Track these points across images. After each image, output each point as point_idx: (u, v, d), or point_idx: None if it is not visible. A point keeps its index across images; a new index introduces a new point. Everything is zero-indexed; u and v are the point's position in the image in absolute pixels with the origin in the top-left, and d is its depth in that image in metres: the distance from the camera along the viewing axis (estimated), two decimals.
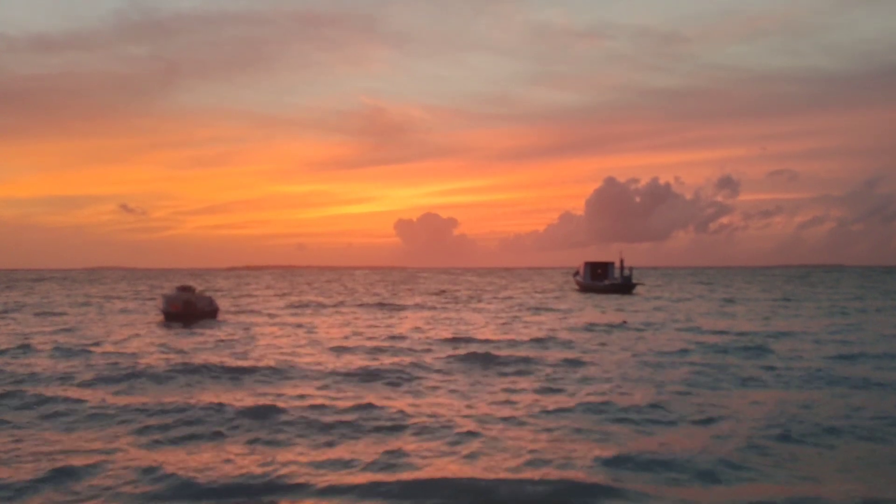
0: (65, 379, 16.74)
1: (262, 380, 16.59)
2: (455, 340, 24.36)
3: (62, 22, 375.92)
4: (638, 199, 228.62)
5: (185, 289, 36.37)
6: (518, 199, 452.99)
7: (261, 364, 18.71)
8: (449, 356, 20.02)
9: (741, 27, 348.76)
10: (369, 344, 23.73)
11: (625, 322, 32.21)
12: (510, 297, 60.12)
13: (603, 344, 23.80)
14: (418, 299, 56.35)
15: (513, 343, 23.84)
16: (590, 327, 30.22)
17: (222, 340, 24.82)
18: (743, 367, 18.13)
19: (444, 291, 70.46)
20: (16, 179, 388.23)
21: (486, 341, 24.28)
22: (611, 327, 30.27)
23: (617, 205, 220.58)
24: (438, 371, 17.86)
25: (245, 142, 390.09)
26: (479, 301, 54.38)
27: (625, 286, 66.93)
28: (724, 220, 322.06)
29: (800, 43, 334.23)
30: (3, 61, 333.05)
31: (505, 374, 17.32)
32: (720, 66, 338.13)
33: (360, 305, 47.92)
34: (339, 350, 22.22)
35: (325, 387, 15.70)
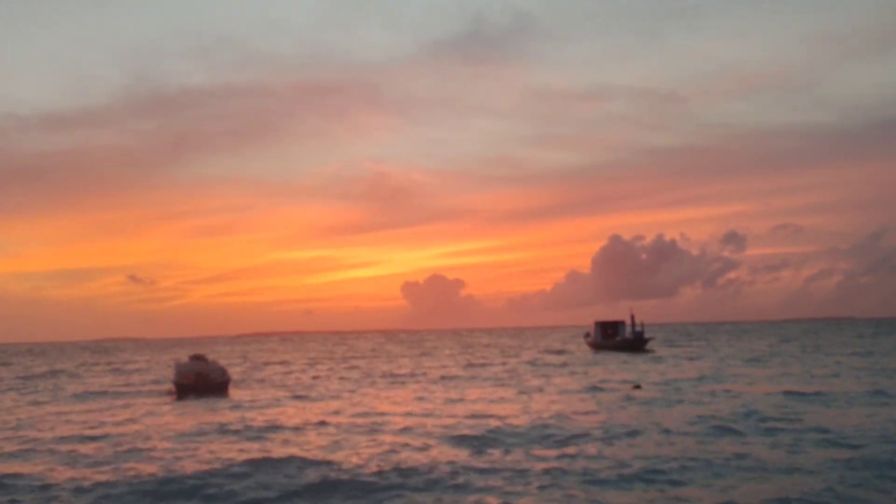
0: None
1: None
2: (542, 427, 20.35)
3: (72, 99, 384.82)
4: (644, 256, 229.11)
5: (198, 358, 35.73)
6: (523, 259, 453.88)
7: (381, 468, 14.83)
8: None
9: (737, 85, 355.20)
10: (471, 429, 19.90)
11: (638, 387, 32.31)
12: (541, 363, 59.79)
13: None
14: (450, 366, 54.14)
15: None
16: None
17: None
18: None
19: (471, 364, 54.35)
20: (26, 253, 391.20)
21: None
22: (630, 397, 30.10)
23: (623, 262, 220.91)
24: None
25: (251, 210, 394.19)
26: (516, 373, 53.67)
27: (637, 342, 67.24)
28: (732, 274, 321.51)
29: (796, 98, 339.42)
30: (14, 140, 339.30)
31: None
32: (718, 124, 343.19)
33: (408, 377, 42.76)
34: (467, 442, 18.03)
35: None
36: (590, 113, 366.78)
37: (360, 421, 22.55)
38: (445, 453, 16.52)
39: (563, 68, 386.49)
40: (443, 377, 41.49)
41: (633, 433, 18.64)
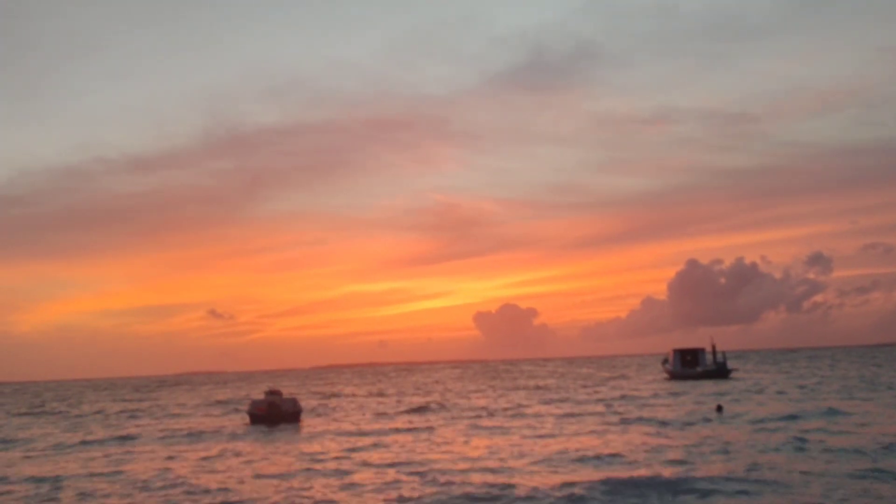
0: None
1: None
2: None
3: (155, 142, 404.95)
4: (723, 281, 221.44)
5: (273, 392, 38.57)
6: (597, 287, 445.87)
7: None
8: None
9: (811, 103, 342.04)
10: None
11: (720, 407, 32.83)
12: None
13: None
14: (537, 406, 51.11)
15: None
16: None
17: None
18: None
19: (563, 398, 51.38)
20: (112, 291, 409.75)
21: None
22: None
23: (701, 287, 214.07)
24: None
25: (324, 244, 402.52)
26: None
27: (719, 372, 64.74)
28: (818, 297, 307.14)
29: (878, 114, 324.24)
30: (103, 182, 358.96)
31: None
32: (793, 143, 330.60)
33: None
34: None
35: None
36: (656, 136, 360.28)
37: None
38: None
39: (627, 93, 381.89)
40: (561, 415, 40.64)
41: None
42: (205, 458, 24.58)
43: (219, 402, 61.57)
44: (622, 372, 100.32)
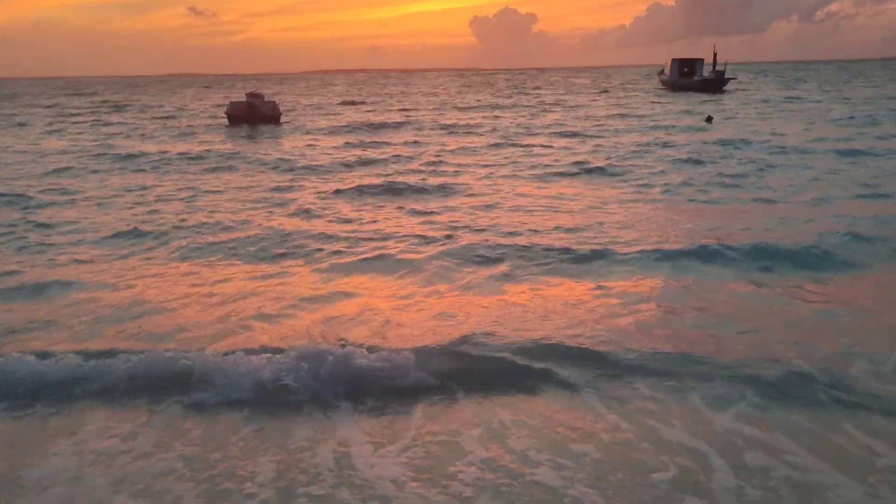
0: None
1: None
2: None
3: None
4: None
5: (254, 95, 38.32)
6: None
7: None
8: None
9: None
10: None
11: (710, 118, 32.04)
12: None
13: None
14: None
15: None
16: None
17: None
18: None
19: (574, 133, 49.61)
20: None
21: None
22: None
23: None
24: None
25: None
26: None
27: (717, 83, 59.99)
28: (834, 6, 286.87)
29: None
30: None
31: None
32: None
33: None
34: None
35: None
36: None
37: None
38: None
39: None
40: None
41: None
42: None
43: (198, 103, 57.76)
44: (618, 83, 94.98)
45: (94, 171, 20.31)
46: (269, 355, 6.22)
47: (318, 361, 5.98)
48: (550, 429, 5.27)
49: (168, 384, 5.91)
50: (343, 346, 6.49)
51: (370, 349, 6.41)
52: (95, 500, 4.53)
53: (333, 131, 32.83)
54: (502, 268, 9.43)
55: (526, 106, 49.00)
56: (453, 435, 5.20)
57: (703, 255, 9.60)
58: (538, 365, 6.21)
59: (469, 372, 6.13)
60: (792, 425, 5.23)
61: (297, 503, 4.46)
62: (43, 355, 6.40)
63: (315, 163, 21.57)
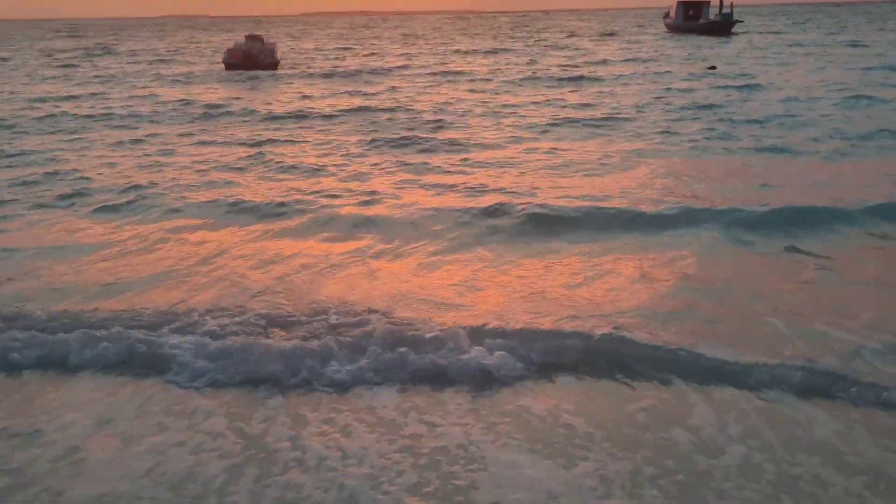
0: None
1: None
2: None
3: None
4: None
5: (254, 38, 37.26)
6: None
7: None
8: None
9: None
10: None
11: (713, 67, 30.90)
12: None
13: None
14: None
15: None
16: None
17: None
18: None
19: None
20: None
21: None
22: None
23: None
24: None
25: None
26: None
27: (723, 26, 58.04)
28: None
29: None
30: None
31: None
32: None
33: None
34: None
35: None
36: None
37: None
38: None
39: None
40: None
41: None
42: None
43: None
44: (621, 27, 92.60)
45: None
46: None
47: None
48: None
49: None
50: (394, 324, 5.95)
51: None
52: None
53: (331, 78, 32.07)
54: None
55: (532, 48, 47.98)
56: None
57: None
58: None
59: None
60: None
61: None
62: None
63: (315, 111, 21.06)
